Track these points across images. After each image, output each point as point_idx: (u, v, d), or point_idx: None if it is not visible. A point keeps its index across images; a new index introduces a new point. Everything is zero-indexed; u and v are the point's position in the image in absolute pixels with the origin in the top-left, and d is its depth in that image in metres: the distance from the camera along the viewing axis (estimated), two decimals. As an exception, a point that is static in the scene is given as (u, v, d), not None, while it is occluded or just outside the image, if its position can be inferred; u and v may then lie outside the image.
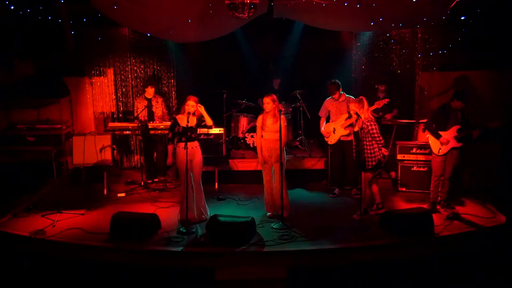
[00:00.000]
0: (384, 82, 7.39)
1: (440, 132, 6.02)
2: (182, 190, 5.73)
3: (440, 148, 6.03)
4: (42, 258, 5.15)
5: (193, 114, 5.75)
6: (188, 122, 5.67)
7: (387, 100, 6.54)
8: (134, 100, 7.87)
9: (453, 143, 5.95)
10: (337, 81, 6.73)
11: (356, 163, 5.88)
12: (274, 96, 5.89)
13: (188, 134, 5.71)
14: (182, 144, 5.67)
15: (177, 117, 5.81)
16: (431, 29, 7.54)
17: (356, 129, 5.81)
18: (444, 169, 6.05)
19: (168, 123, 7.34)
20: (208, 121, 5.78)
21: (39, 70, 7.64)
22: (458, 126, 5.93)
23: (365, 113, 5.74)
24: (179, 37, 7.64)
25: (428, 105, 7.73)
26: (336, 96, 6.70)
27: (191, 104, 5.71)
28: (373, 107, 6.63)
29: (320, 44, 8.66)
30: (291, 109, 8.30)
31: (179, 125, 5.74)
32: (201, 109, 5.73)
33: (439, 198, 6.10)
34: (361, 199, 5.66)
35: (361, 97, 5.85)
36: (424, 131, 7.05)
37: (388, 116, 7.24)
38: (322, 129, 6.82)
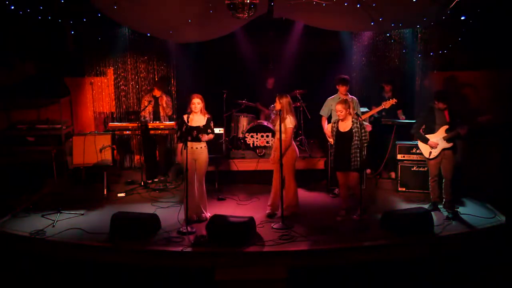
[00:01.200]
0: (390, 82, 7.38)
1: (429, 135, 6.01)
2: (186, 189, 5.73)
3: (430, 152, 6.02)
4: (42, 258, 5.15)
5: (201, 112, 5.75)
6: (188, 121, 5.68)
7: (395, 100, 6.52)
8: (141, 98, 7.95)
9: (443, 144, 5.94)
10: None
11: (335, 163, 5.92)
12: (284, 97, 5.90)
13: (194, 133, 5.70)
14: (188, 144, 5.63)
15: (184, 116, 5.79)
16: (431, 29, 7.54)
17: (342, 130, 5.80)
18: (439, 170, 6.04)
19: (168, 123, 7.37)
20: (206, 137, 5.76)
21: (39, 70, 7.63)
22: (446, 127, 5.93)
23: (351, 114, 5.79)
24: (179, 37, 7.65)
25: (428, 105, 7.72)
26: (343, 93, 6.66)
27: (197, 102, 5.70)
28: (380, 108, 6.61)
29: (320, 44, 8.66)
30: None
31: (186, 124, 5.73)
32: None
33: (444, 200, 6.07)
34: (361, 199, 5.65)
35: (345, 98, 5.89)
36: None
37: (399, 111, 7.24)
38: (325, 128, 6.75)
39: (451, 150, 5.95)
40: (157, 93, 7.57)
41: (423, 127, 6.14)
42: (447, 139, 5.90)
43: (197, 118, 5.74)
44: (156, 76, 8.33)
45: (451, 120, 5.90)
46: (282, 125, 5.78)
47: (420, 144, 6.14)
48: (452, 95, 6.46)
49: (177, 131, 5.79)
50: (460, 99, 7.30)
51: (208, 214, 5.85)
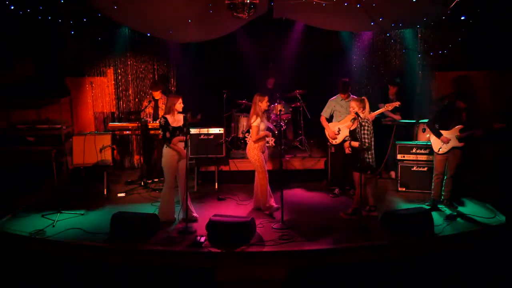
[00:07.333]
0: (397, 84, 7.33)
1: (442, 131, 6.03)
2: (165, 191, 5.74)
3: (440, 147, 6.03)
4: (42, 258, 5.15)
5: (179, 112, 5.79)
6: (174, 121, 5.71)
7: (398, 103, 6.49)
8: (142, 99, 7.96)
9: (455, 143, 5.96)
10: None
11: (350, 163, 5.88)
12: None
13: (177, 133, 5.70)
14: (180, 145, 5.65)
15: (167, 116, 5.72)
16: (431, 29, 7.54)
17: (352, 128, 5.80)
18: (445, 168, 6.06)
19: None
20: None
21: (39, 70, 7.64)
22: (461, 126, 5.94)
23: (365, 113, 5.73)
24: (179, 37, 7.65)
25: (428, 105, 7.73)
26: (346, 95, 6.66)
27: (181, 101, 5.75)
28: (382, 110, 6.58)
29: (320, 44, 8.66)
30: (291, 109, 8.29)
31: (169, 125, 5.69)
32: None
33: (442, 197, 6.10)
34: (360, 199, 5.64)
35: (363, 97, 5.84)
36: (424, 130, 7.05)
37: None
38: (328, 127, 6.71)
39: (461, 150, 5.97)
40: (156, 95, 7.55)
41: (438, 123, 6.13)
42: (459, 139, 5.92)
43: (178, 118, 5.75)
44: (156, 76, 8.33)
45: (468, 120, 5.92)
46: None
47: (432, 137, 6.15)
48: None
49: (165, 133, 5.67)
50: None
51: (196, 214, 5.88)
